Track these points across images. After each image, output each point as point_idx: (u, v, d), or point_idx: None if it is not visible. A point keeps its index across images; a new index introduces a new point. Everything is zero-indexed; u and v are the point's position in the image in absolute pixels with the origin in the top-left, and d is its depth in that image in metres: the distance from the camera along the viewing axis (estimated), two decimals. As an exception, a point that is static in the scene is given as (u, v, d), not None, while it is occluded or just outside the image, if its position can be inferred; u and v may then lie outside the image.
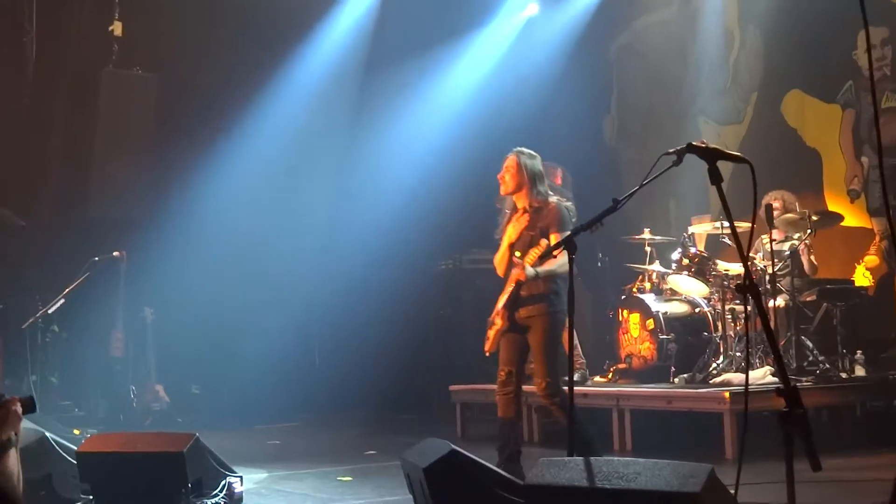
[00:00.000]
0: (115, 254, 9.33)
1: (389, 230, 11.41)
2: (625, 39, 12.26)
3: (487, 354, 6.50)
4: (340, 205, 12.23)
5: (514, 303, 6.19)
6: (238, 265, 11.28)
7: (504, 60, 11.87)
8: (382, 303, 11.64)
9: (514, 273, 6.11)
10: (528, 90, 11.67)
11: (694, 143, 3.45)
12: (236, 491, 5.57)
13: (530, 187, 6.25)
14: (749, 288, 2.85)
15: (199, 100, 11.35)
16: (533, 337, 6.09)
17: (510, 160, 6.33)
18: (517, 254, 6.23)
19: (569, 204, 8.98)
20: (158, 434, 5.93)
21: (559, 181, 9.23)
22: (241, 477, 5.68)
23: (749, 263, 8.06)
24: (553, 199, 6.26)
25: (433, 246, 11.78)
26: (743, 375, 7.52)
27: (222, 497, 5.48)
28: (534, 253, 6.00)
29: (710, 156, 3.31)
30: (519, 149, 6.39)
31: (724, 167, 3.38)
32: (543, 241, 6.04)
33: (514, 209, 6.35)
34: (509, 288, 6.20)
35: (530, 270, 5.99)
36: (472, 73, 11.78)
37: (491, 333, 6.33)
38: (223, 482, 5.53)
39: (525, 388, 8.78)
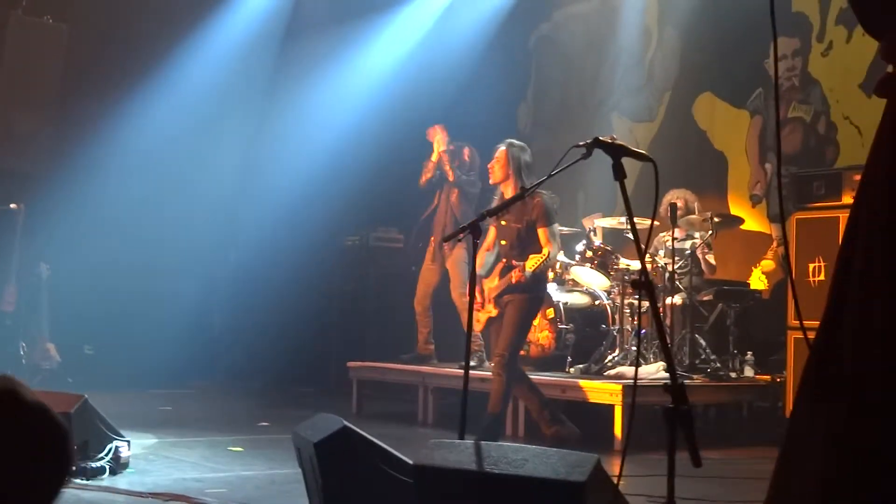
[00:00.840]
0: (12, 206, 9.09)
1: (298, 203, 11.33)
2: (545, 29, 12.33)
3: (478, 332, 7.53)
4: (250, 173, 12.10)
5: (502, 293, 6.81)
6: (141, 227, 11.08)
7: (425, 40, 11.83)
8: (286, 274, 11.56)
9: (514, 274, 6.65)
10: (447, 71, 11.67)
11: (601, 137, 3.50)
12: (123, 455, 5.50)
13: (516, 178, 6.61)
14: (644, 284, 2.91)
15: (111, 55, 11.08)
16: (508, 314, 6.69)
17: (500, 151, 6.77)
18: (502, 242, 6.86)
19: (470, 179, 9.08)
20: (46, 393, 5.80)
21: (466, 158, 9.26)
22: (128, 441, 5.60)
23: (650, 260, 8.24)
24: (543, 193, 6.57)
25: (341, 221, 11.72)
26: (646, 367, 7.71)
27: (108, 461, 5.39)
28: (535, 259, 6.34)
29: (615, 152, 3.37)
30: (510, 140, 6.98)
31: (631, 164, 3.44)
32: (546, 250, 6.67)
33: (502, 199, 6.61)
34: (496, 281, 6.59)
35: (530, 274, 6.37)
36: (391, 50, 11.71)
37: (482, 316, 6.99)
38: (110, 446, 5.45)
39: (423, 368, 8.84)
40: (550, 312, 8.79)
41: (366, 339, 11.06)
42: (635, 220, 3.42)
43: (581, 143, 3.84)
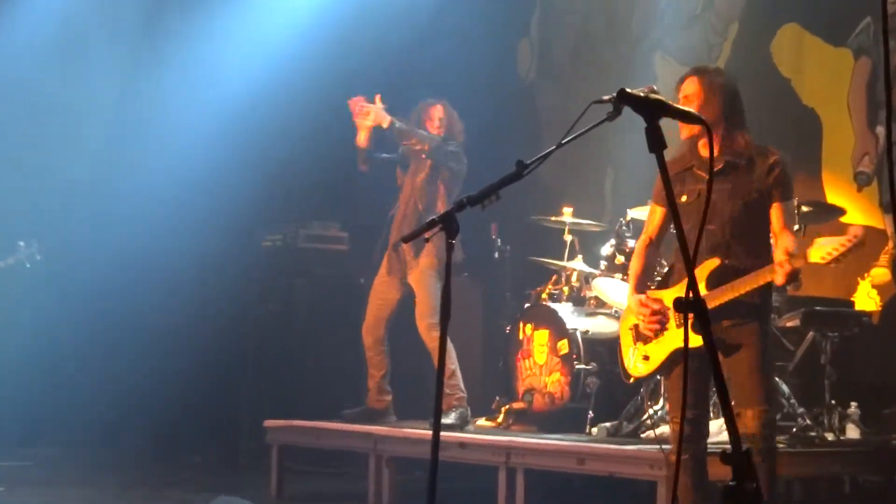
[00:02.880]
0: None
1: (189, 192, 11.28)
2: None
3: (631, 381, 6.76)
4: (116, 154, 12.05)
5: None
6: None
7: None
8: (173, 293, 11.51)
9: (781, 270, 6.00)
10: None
11: (629, 90, 3.50)
12: None
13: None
14: (693, 305, 2.91)
15: None
16: (745, 356, 6.22)
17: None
18: (709, 227, 6.26)
19: (451, 147, 9.08)
20: None
21: (435, 122, 9.26)
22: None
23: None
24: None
25: (254, 214, 11.70)
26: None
27: None
28: (832, 245, 5.97)
29: (651, 109, 3.36)
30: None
31: (674, 128, 3.44)
32: (787, 241, 6.22)
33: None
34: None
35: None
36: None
37: (655, 352, 6.42)
38: None
39: (376, 428, 8.85)
40: (564, 346, 8.80)
41: (292, 387, 11.02)
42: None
43: (605, 98, 3.85)
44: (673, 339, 6.27)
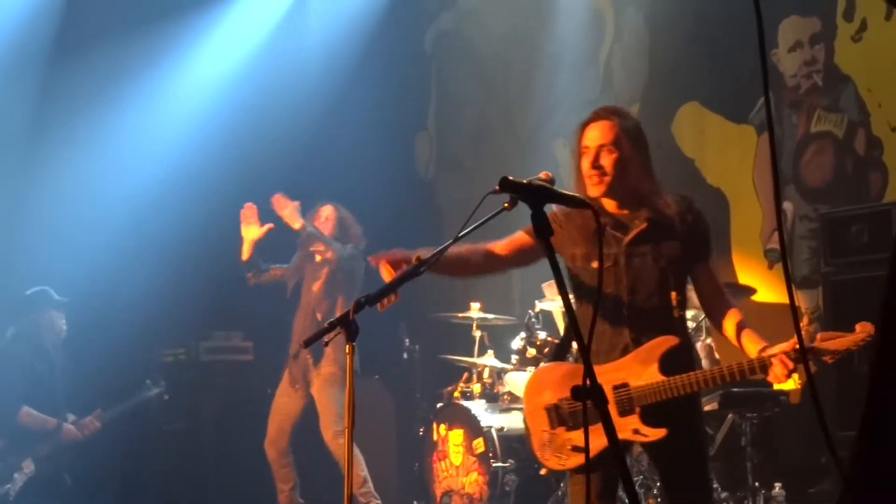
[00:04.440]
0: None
1: (79, 302, 11.12)
2: (448, 22, 12.48)
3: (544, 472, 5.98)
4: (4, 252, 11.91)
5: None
6: None
7: (268, 47, 11.89)
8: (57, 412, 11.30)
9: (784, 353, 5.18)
10: (303, 92, 11.72)
11: (511, 178, 3.53)
12: None
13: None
14: (590, 392, 2.91)
15: None
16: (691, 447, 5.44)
17: None
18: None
19: (346, 251, 9.10)
20: None
21: (321, 219, 9.33)
22: None
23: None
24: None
25: (153, 327, 11.57)
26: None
27: None
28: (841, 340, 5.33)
29: (534, 197, 3.39)
30: None
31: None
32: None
33: None
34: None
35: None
36: (217, 63, 11.73)
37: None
38: None
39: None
40: (479, 445, 8.78)
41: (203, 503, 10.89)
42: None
43: (498, 188, 3.87)
44: (617, 428, 5.19)
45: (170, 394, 11.03)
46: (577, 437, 5.30)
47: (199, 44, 11.79)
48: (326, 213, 9.44)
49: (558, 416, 5.39)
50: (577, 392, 2.98)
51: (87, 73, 11.61)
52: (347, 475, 4.57)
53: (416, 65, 12.54)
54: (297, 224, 9.08)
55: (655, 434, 5.16)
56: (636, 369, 5.22)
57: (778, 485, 8.33)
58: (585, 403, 2.94)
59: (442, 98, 12.50)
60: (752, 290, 8.96)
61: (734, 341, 5.34)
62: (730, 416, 8.49)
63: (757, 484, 8.21)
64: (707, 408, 8.47)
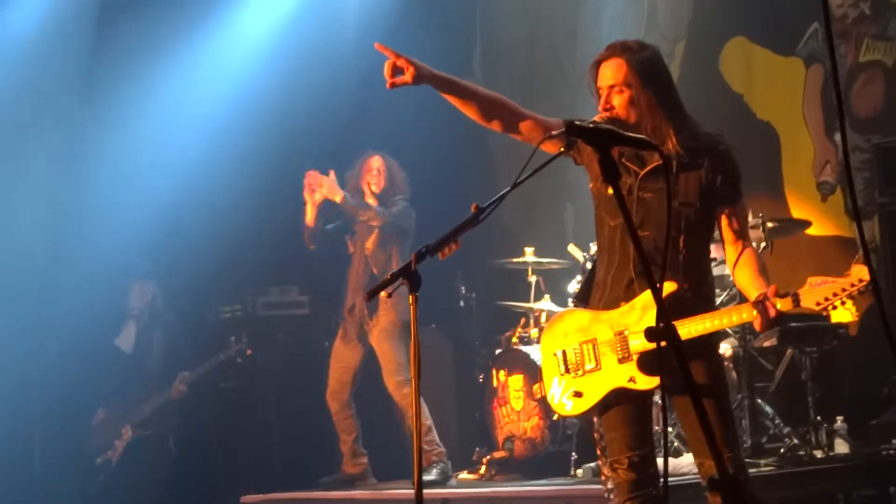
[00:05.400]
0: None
1: (137, 257, 11.23)
2: (492, -35, 12.47)
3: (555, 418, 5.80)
4: (65, 219, 11.98)
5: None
6: None
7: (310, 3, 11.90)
8: (136, 371, 11.43)
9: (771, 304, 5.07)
10: (347, 41, 11.74)
11: (577, 121, 3.55)
12: None
13: None
14: (665, 333, 2.94)
15: None
16: (711, 388, 5.29)
17: None
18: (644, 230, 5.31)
19: (397, 208, 9.15)
20: None
21: (373, 172, 9.36)
22: None
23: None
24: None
25: (211, 283, 11.65)
26: (677, 461, 7.73)
27: None
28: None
29: (602, 139, 3.40)
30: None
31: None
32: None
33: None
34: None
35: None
36: (261, 25, 11.74)
37: (589, 389, 5.40)
38: None
39: (356, 493, 8.81)
40: (539, 389, 8.81)
41: (266, 458, 10.97)
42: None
43: (555, 133, 3.88)
44: (613, 375, 5.24)
45: (218, 350, 11.15)
46: (578, 383, 5.32)
47: (243, 8, 11.80)
48: (377, 164, 9.45)
49: (564, 363, 5.39)
50: (651, 333, 2.99)
51: (133, 36, 11.66)
52: (416, 424, 4.57)
53: (461, 8, 12.51)
54: (338, 197, 9.08)
55: (648, 383, 5.14)
56: (635, 316, 5.16)
57: (840, 418, 8.34)
58: (660, 345, 2.95)
59: (488, 42, 12.48)
60: (807, 224, 8.94)
61: (742, 291, 5.26)
62: (789, 351, 8.51)
63: (819, 418, 8.24)
64: (766, 343, 8.50)
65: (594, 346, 5.30)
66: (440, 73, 5.42)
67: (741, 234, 5.30)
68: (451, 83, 5.43)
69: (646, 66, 5.31)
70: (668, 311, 4.45)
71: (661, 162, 4.85)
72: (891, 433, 7.84)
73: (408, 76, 5.17)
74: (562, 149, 4.23)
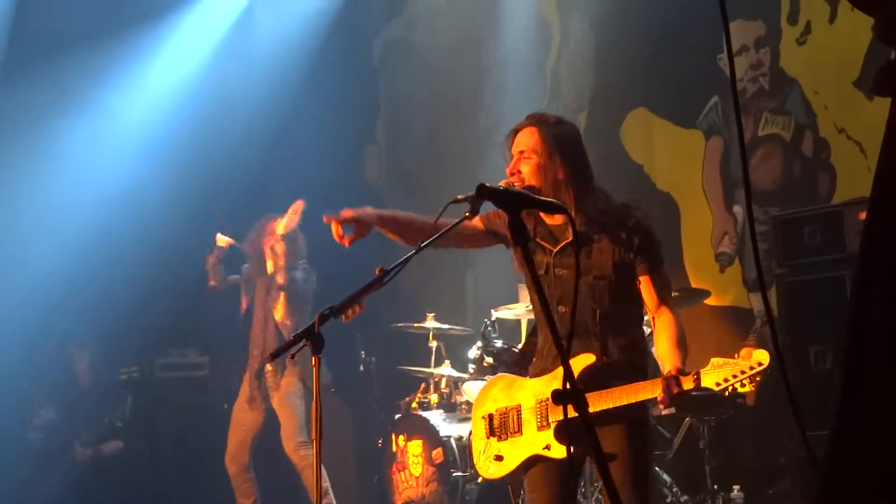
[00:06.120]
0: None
1: (30, 323, 11.05)
2: (396, 30, 12.49)
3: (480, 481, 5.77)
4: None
5: None
6: None
7: (216, 61, 11.87)
8: (21, 427, 11.24)
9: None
10: (252, 106, 11.72)
11: (488, 184, 3.55)
12: None
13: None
14: (572, 395, 2.94)
15: None
16: (625, 456, 5.31)
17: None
18: (560, 308, 5.43)
19: (299, 272, 9.14)
20: None
21: (275, 240, 9.34)
22: None
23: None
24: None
25: (108, 346, 11.53)
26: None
27: None
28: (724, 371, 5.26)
29: (512, 204, 3.40)
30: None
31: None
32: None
33: None
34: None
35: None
36: (161, 82, 11.70)
37: (509, 453, 5.50)
38: None
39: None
40: (439, 455, 8.79)
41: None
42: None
43: (461, 197, 3.88)
44: (531, 442, 5.34)
45: (114, 415, 11.00)
46: (501, 447, 5.43)
47: (149, 58, 11.76)
48: (279, 228, 9.44)
49: (490, 426, 5.50)
50: (557, 396, 2.99)
51: (38, 88, 11.57)
52: (317, 486, 4.59)
53: (365, 76, 12.55)
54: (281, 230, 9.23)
55: (559, 452, 5.23)
56: (556, 385, 5.02)
57: (736, 487, 8.39)
58: (566, 407, 2.95)
59: (390, 107, 12.51)
60: (706, 294, 9.02)
61: (658, 362, 5.33)
62: (687, 419, 8.55)
63: (716, 486, 8.28)
64: (665, 412, 8.53)
65: (517, 412, 5.41)
66: (380, 212, 5.57)
67: (661, 301, 5.36)
68: (393, 219, 5.54)
69: (557, 139, 5.41)
70: (588, 381, 5.00)
71: (571, 239, 5.13)
72: (785, 501, 7.89)
73: (360, 231, 5.32)
74: (467, 214, 4.23)
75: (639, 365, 5.38)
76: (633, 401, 5.08)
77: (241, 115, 11.71)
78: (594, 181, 5.47)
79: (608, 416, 5.06)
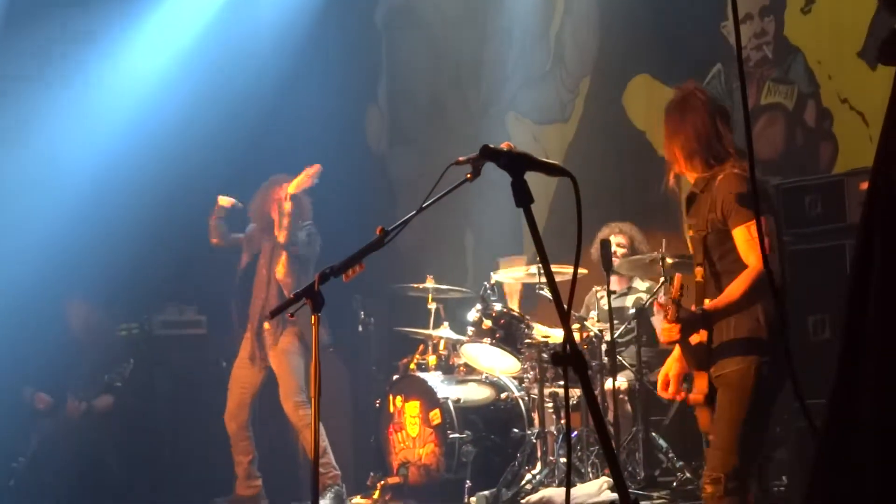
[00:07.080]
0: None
1: (31, 279, 11.03)
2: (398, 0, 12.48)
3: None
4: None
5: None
6: None
7: (220, 24, 11.83)
8: (26, 383, 11.25)
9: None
10: (255, 68, 11.69)
11: (492, 146, 3.53)
12: None
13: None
14: (571, 359, 2.93)
15: None
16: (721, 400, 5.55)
17: None
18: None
19: (304, 233, 9.13)
20: None
21: (282, 205, 9.31)
22: None
23: (578, 326, 8.31)
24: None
25: (107, 302, 11.52)
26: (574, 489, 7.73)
27: None
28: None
29: (515, 164, 3.38)
30: None
31: (539, 183, 3.47)
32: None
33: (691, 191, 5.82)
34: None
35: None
36: (164, 44, 11.66)
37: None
38: None
39: None
40: (436, 416, 8.81)
41: (160, 479, 10.84)
42: (553, 267, 3.42)
43: (463, 159, 3.86)
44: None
45: (113, 369, 11.00)
46: None
47: (154, 20, 11.71)
48: (284, 191, 9.42)
49: None
50: (556, 358, 2.98)
51: (32, 52, 11.55)
52: (315, 444, 4.59)
53: (367, 39, 12.52)
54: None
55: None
56: None
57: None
58: (566, 369, 2.94)
59: (393, 72, 12.50)
60: (705, 262, 9.01)
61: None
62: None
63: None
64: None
65: None
66: None
67: (745, 255, 5.41)
68: None
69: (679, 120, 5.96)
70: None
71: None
72: (781, 470, 7.90)
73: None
74: (469, 176, 4.22)
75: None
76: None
77: (244, 76, 11.68)
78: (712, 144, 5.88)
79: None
